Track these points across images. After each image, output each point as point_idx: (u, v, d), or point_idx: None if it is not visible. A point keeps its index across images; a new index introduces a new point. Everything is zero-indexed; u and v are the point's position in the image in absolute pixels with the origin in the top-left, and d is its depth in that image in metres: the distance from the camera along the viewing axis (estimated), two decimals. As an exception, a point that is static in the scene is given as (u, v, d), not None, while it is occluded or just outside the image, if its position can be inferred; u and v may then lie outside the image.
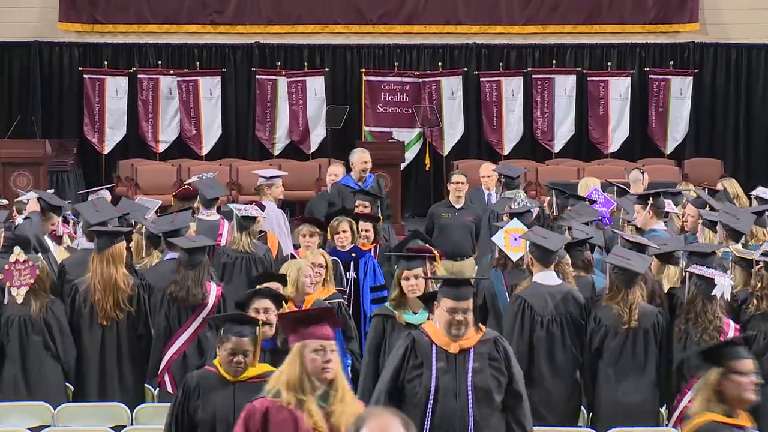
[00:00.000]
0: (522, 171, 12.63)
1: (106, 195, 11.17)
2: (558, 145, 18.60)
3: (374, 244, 10.00)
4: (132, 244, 9.13)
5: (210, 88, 18.38)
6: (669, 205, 10.13)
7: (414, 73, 18.61)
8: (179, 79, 18.32)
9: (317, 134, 18.37)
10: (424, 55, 18.74)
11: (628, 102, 18.53)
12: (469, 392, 5.96)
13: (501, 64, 18.70)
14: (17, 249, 7.93)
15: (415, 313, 7.25)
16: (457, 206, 12.09)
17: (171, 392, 7.91)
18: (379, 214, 10.58)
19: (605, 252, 8.88)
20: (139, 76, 18.35)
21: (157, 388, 8.22)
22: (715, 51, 18.73)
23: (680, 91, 18.57)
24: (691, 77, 18.57)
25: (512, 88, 18.53)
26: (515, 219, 9.16)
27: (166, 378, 8.12)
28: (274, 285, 7.37)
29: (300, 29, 18.60)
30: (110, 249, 8.08)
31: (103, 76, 18.32)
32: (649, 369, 7.63)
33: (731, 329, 7.57)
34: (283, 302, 7.11)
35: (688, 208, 10.27)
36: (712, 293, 7.50)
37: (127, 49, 18.53)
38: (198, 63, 18.54)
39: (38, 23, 18.39)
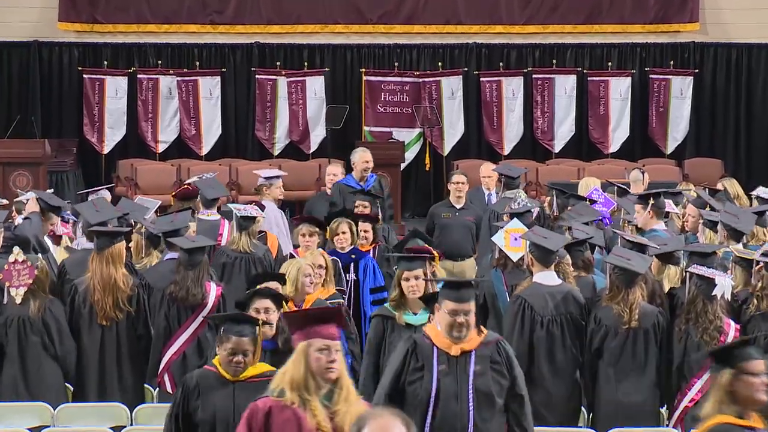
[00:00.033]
0: (522, 171, 12.62)
1: (106, 195, 11.17)
2: (558, 145, 18.59)
3: (373, 245, 9.99)
4: (131, 244, 9.13)
5: (210, 88, 18.36)
6: (669, 205, 10.12)
7: (414, 73, 18.60)
8: (179, 78, 18.31)
9: (317, 134, 18.36)
10: (424, 54, 18.73)
11: (629, 102, 18.52)
12: (470, 395, 5.95)
13: (501, 63, 18.69)
14: (16, 249, 7.92)
15: (415, 314, 7.25)
16: (458, 206, 12.08)
17: (171, 392, 7.91)
18: (379, 215, 10.57)
19: (605, 252, 8.87)
20: (138, 76, 18.33)
21: (157, 389, 8.21)
22: (715, 51, 18.72)
23: (681, 91, 18.56)
24: (692, 77, 18.56)
25: (512, 88, 18.52)
26: (515, 219, 9.15)
27: (166, 378, 8.12)
28: (273, 284, 7.36)
29: (300, 29, 18.59)
30: (110, 249, 8.08)
31: (102, 76, 18.30)
32: (650, 369, 7.62)
33: (732, 329, 7.56)
34: (284, 302, 7.10)
35: (688, 208, 10.26)
36: (713, 293, 7.49)
37: (127, 49, 18.52)
38: (198, 63, 18.52)
39: (38, 23, 18.37)
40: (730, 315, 7.69)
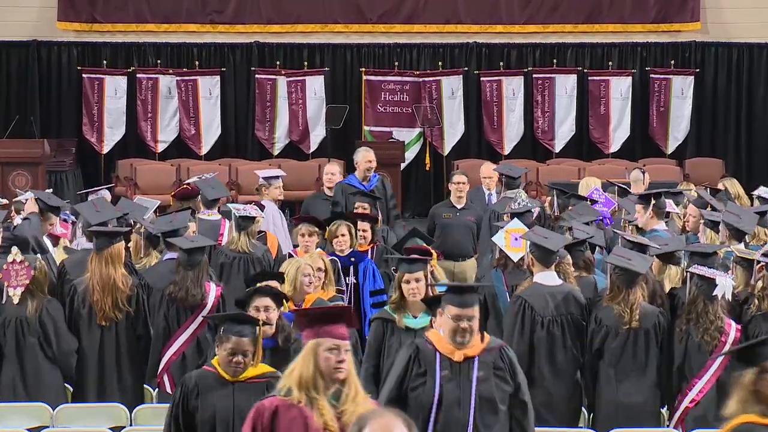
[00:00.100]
0: (523, 171, 12.61)
1: (106, 195, 11.16)
2: (559, 145, 18.58)
3: (371, 245, 9.97)
4: (131, 245, 9.11)
5: (209, 87, 18.35)
6: (670, 205, 10.11)
7: (414, 73, 18.59)
8: (178, 78, 18.30)
9: (317, 134, 18.34)
10: (425, 54, 18.71)
11: (629, 101, 18.50)
12: (473, 401, 5.92)
13: (501, 63, 18.67)
14: (14, 249, 7.90)
15: (415, 317, 7.22)
16: (459, 206, 12.06)
17: (170, 393, 7.90)
18: (378, 216, 10.55)
19: (606, 252, 8.86)
20: (138, 75, 18.32)
21: (156, 389, 8.20)
22: (716, 50, 18.70)
23: (681, 91, 18.54)
24: (693, 77, 18.54)
25: (513, 88, 18.50)
26: (516, 219, 9.14)
27: (165, 379, 8.11)
28: (272, 283, 7.33)
29: (300, 28, 18.58)
30: (109, 249, 8.06)
31: (102, 76, 18.29)
32: (650, 369, 7.61)
33: (732, 330, 7.55)
34: (284, 300, 7.08)
35: (689, 208, 10.24)
36: (713, 294, 7.47)
37: (126, 48, 18.50)
38: (197, 62, 18.51)
39: (37, 22, 18.35)
40: (731, 315, 7.68)
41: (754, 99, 18.65)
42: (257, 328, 5.94)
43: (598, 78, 18.55)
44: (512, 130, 18.53)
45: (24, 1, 18.35)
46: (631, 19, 18.55)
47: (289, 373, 5.18)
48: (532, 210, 10.08)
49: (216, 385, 5.88)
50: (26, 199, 9.51)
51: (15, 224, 9.08)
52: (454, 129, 18.50)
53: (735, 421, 4.99)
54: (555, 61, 18.67)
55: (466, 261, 11.84)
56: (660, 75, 18.56)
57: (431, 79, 18.49)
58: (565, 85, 18.50)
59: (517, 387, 6.02)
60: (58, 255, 9.14)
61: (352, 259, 9.45)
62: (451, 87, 18.51)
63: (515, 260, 8.65)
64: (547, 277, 7.78)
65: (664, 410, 7.76)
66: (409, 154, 18.13)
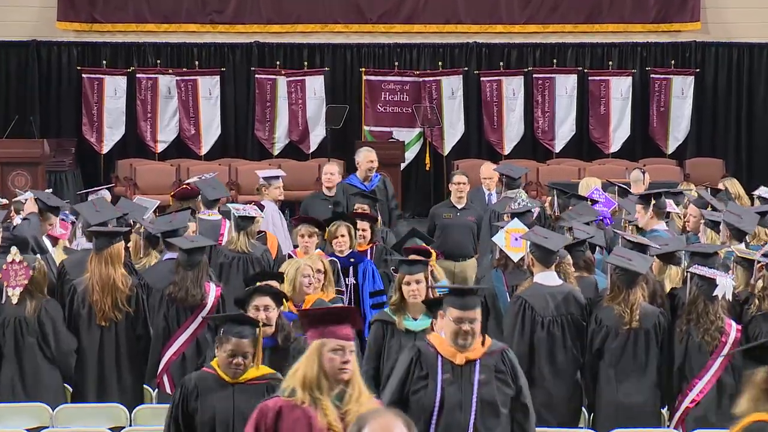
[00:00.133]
0: (524, 171, 12.61)
1: (106, 195, 11.15)
2: (559, 145, 18.56)
3: (370, 245, 9.96)
4: (130, 245, 9.10)
5: (209, 87, 18.33)
6: (670, 205, 10.10)
7: (414, 73, 18.57)
8: (178, 78, 18.28)
9: (317, 134, 18.32)
10: (425, 54, 18.70)
11: (630, 101, 18.48)
12: (474, 404, 5.91)
13: (501, 63, 18.66)
14: (14, 249, 7.89)
15: (415, 319, 7.19)
16: (459, 206, 12.05)
17: (170, 393, 7.89)
18: (378, 216, 10.53)
19: (606, 252, 8.85)
20: (137, 75, 18.29)
21: (156, 389, 8.18)
22: (716, 50, 18.68)
23: (682, 91, 18.52)
24: (693, 77, 18.52)
25: (513, 88, 18.49)
26: (516, 219, 9.14)
27: (165, 379, 8.10)
28: (272, 283, 7.31)
29: (300, 28, 18.56)
30: (108, 249, 8.05)
31: (101, 76, 18.26)
32: (650, 370, 7.61)
33: (733, 330, 7.55)
34: (284, 300, 7.07)
35: (689, 208, 10.23)
36: (714, 294, 7.46)
37: (126, 48, 18.49)
38: (197, 62, 18.49)
39: (36, 22, 18.34)
40: (732, 315, 7.67)
41: (754, 99, 18.63)
42: (257, 329, 5.92)
43: (598, 78, 18.53)
44: (512, 130, 18.52)
45: (24, 1, 18.33)
46: (631, 19, 18.53)
47: (293, 374, 5.16)
48: (532, 210, 10.07)
49: (216, 387, 5.86)
50: (26, 199, 9.50)
51: (14, 224, 9.07)
52: (454, 129, 18.49)
53: (747, 419, 4.98)
54: (555, 61, 18.65)
55: (466, 261, 11.84)
56: (660, 75, 18.54)
57: (431, 79, 18.47)
58: (566, 85, 18.48)
59: (518, 390, 6.01)
60: (57, 255, 9.13)
61: (352, 259, 9.43)
62: (451, 87, 18.49)
63: (515, 260, 8.64)
64: (548, 278, 7.77)
65: (664, 410, 7.76)
66: (409, 154, 18.11)
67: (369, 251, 9.89)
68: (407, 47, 18.69)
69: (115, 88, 18.24)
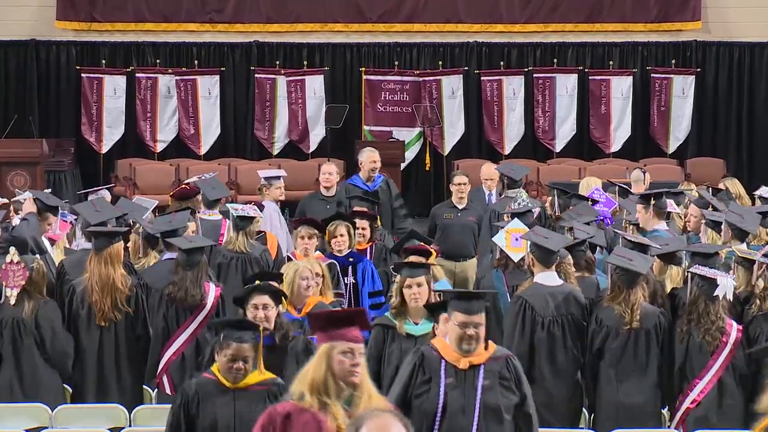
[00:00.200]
0: (526, 171, 12.59)
1: (106, 195, 11.15)
2: (559, 145, 18.55)
3: (370, 243, 9.94)
4: (129, 245, 9.08)
5: (209, 87, 18.32)
6: (671, 205, 10.08)
7: (414, 72, 18.56)
8: (178, 78, 18.27)
9: (316, 134, 18.31)
10: (425, 54, 18.68)
11: (630, 101, 18.47)
12: (477, 409, 5.89)
13: (502, 63, 18.65)
14: (12, 249, 7.88)
15: (416, 324, 7.15)
16: (460, 207, 12.04)
17: (169, 394, 7.89)
18: (377, 216, 10.51)
19: (607, 252, 8.83)
20: (137, 75, 18.29)
21: (156, 390, 8.16)
22: (717, 50, 18.66)
23: (682, 90, 18.51)
24: (694, 76, 18.51)
25: (513, 87, 18.48)
26: (516, 219, 9.12)
27: (165, 379, 8.08)
28: (271, 283, 7.29)
29: (299, 28, 18.55)
30: (108, 249, 8.04)
31: (100, 75, 18.26)
32: (651, 370, 7.60)
33: (734, 330, 7.53)
34: (283, 299, 7.04)
35: (690, 208, 10.21)
36: (714, 294, 7.45)
37: (125, 47, 18.48)
38: (196, 62, 18.48)
39: (36, 22, 18.33)
40: (732, 315, 7.66)
41: (755, 98, 18.62)
42: (258, 333, 5.89)
43: (598, 77, 18.52)
44: (513, 130, 18.51)
45: (23, 0, 18.32)
46: (632, 19, 18.52)
47: (302, 378, 5.11)
48: (533, 210, 10.06)
49: (216, 393, 5.84)
50: (24, 199, 9.48)
51: (13, 225, 9.06)
52: (454, 129, 18.47)
53: None
54: (556, 60, 18.64)
55: (467, 261, 11.83)
56: (661, 74, 18.53)
57: (431, 78, 18.46)
58: (566, 85, 18.47)
59: (523, 398, 5.99)
60: (56, 255, 9.12)
61: (351, 259, 9.41)
62: (452, 86, 18.48)
63: (516, 260, 8.62)
64: (548, 278, 7.76)
65: (665, 411, 7.75)
66: (409, 154, 18.11)
67: (369, 250, 9.87)
68: (407, 47, 18.67)
69: (114, 87, 18.23)
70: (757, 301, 7.77)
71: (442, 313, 6.22)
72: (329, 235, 9.47)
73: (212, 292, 8.14)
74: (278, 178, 11.76)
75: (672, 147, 18.55)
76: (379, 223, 10.54)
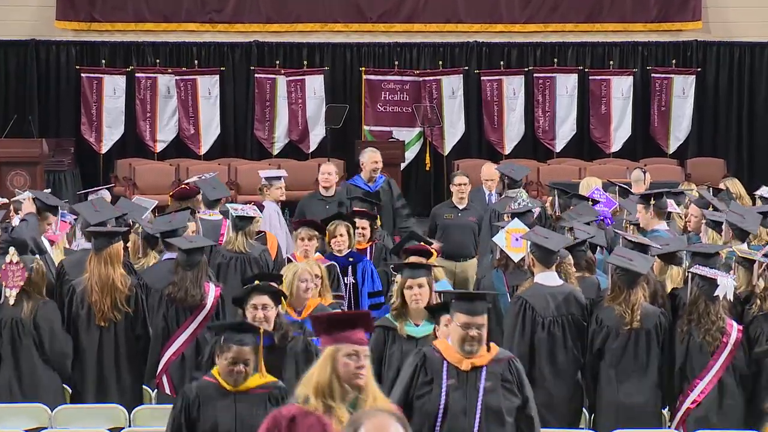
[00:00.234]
0: (526, 171, 12.58)
1: (106, 195, 11.14)
2: (559, 145, 18.55)
3: (369, 243, 9.93)
4: (129, 245, 9.07)
5: (208, 87, 18.31)
6: (671, 205, 10.07)
7: (414, 72, 18.56)
8: (177, 78, 18.26)
9: (316, 133, 18.31)
10: (425, 53, 18.68)
11: (630, 101, 18.46)
12: (479, 411, 5.88)
13: (502, 62, 18.64)
14: (12, 250, 7.87)
15: (417, 325, 7.12)
16: (460, 207, 12.03)
17: (169, 394, 7.88)
18: (378, 216, 10.51)
19: (607, 252, 8.82)
20: (137, 74, 18.28)
21: (155, 390, 8.16)
22: (718, 49, 18.66)
23: (683, 90, 18.51)
24: (694, 76, 18.51)
25: (513, 87, 18.47)
26: (516, 219, 9.11)
27: (164, 379, 8.07)
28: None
29: (299, 28, 18.54)
30: (107, 249, 8.03)
31: (100, 75, 18.25)
32: (651, 370, 7.59)
33: (734, 330, 7.53)
34: (282, 299, 7.03)
35: (691, 208, 10.20)
36: (715, 294, 7.44)
37: (125, 47, 18.47)
38: (196, 62, 18.48)
39: (35, 21, 18.32)
40: (733, 315, 7.65)
41: (755, 98, 18.62)
42: (258, 336, 5.88)
43: (599, 77, 18.52)
44: (513, 130, 18.50)
45: (23, 0, 18.31)
46: (632, 18, 18.52)
47: (307, 381, 5.08)
48: (533, 210, 10.05)
49: (217, 396, 5.82)
50: (24, 199, 9.47)
51: (13, 225, 9.05)
52: (454, 129, 18.47)
53: None
54: (556, 60, 18.63)
55: (467, 261, 11.82)
56: (661, 74, 18.52)
57: (431, 78, 18.46)
58: (566, 85, 18.46)
59: (524, 401, 5.98)
60: (56, 255, 9.11)
61: (351, 259, 9.40)
62: (452, 86, 18.47)
63: (516, 260, 8.61)
64: (548, 278, 7.75)
65: (665, 411, 7.74)
66: (409, 154, 18.10)
67: (368, 250, 9.86)
68: (407, 47, 18.67)
69: (114, 87, 18.23)
70: (758, 301, 7.76)
71: (443, 315, 6.20)
72: (329, 235, 9.46)
73: (212, 292, 8.14)
74: (279, 178, 11.75)
75: (672, 147, 18.55)
76: (379, 223, 10.53)
